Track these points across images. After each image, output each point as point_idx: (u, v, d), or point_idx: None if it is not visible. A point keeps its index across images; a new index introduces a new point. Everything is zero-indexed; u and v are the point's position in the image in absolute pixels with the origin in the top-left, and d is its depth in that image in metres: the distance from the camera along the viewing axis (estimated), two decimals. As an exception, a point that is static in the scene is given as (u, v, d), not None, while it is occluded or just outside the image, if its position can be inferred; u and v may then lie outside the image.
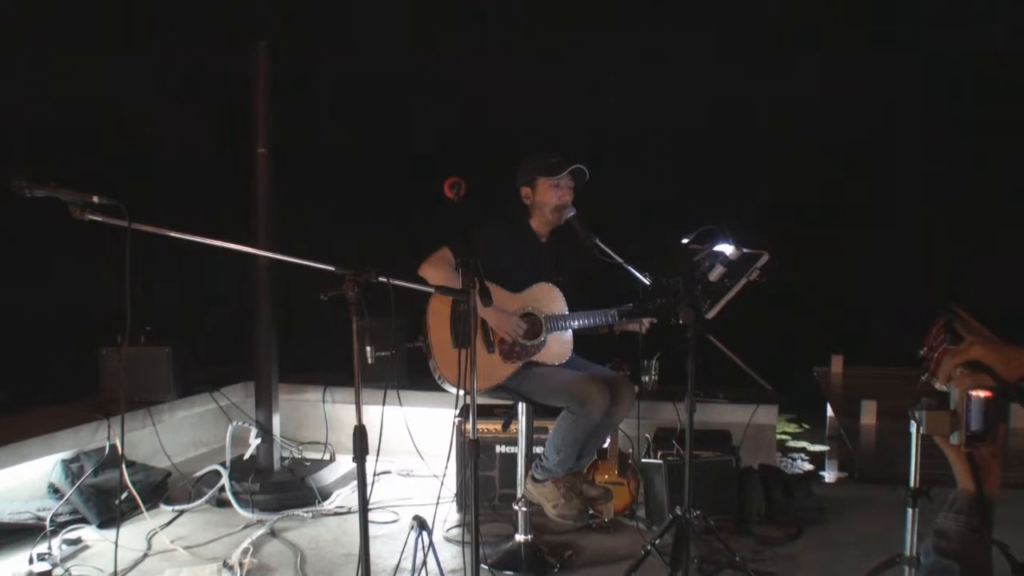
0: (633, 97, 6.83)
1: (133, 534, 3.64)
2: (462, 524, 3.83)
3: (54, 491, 3.86)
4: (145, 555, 3.45)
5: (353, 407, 2.21)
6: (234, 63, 4.24)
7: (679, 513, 2.93)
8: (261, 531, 3.71)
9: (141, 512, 3.79)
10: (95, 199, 1.95)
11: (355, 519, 3.60)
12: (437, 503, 3.52)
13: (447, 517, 3.93)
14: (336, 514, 3.98)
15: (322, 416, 4.99)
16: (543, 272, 3.37)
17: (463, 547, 3.55)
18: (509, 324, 3.22)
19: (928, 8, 6.65)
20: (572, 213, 3.31)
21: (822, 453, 5.99)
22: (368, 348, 2.57)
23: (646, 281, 3.11)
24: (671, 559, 2.91)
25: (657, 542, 3.08)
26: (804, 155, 7.04)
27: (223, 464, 4.09)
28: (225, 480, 4.00)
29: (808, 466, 5.74)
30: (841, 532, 3.73)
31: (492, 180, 3.46)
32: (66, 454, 3.97)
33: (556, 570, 3.31)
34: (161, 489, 4.10)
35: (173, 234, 2.12)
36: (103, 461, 3.94)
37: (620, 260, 3.17)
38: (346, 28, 6.66)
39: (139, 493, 3.81)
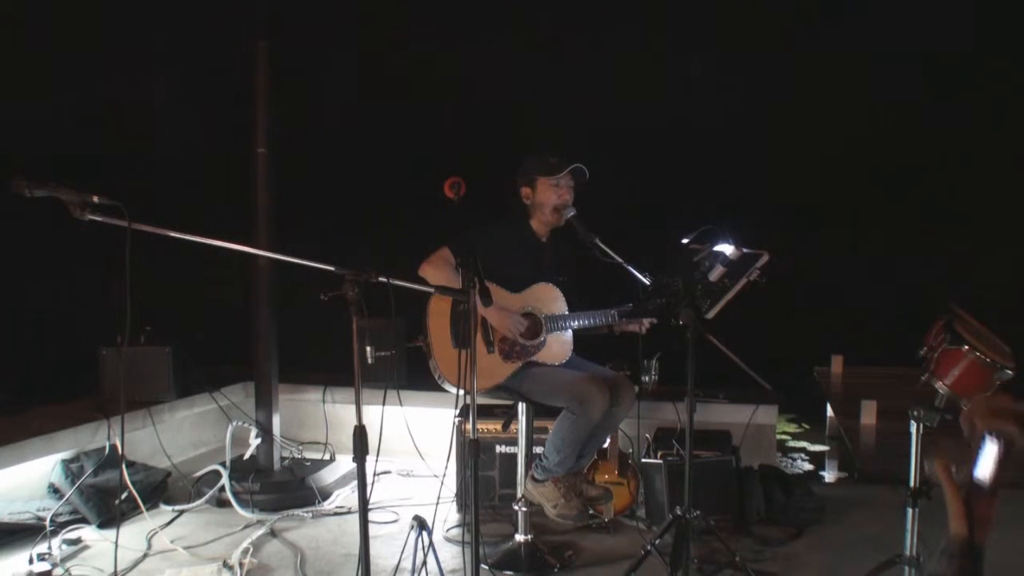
0: (633, 97, 6.83)
1: (133, 534, 3.64)
2: (462, 524, 3.83)
3: (54, 491, 3.86)
4: (145, 555, 3.45)
5: (353, 407, 2.21)
6: (234, 63, 4.24)
7: (679, 513, 2.93)
8: (261, 531, 3.71)
9: (141, 512, 3.79)
10: (95, 199, 1.96)
11: (355, 519, 3.60)
12: (437, 503, 3.52)
13: (447, 517, 3.93)
14: (336, 514, 3.98)
15: (322, 416, 4.99)
16: (543, 272, 3.37)
17: (463, 547, 3.55)
18: (510, 321, 3.21)
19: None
20: (572, 213, 3.31)
21: (822, 453, 5.99)
22: (368, 348, 2.57)
23: (646, 281, 3.11)
24: (671, 559, 2.91)
25: (657, 542, 3.08)
26: (804, 155, 7.03)
27: (223, 464, 4.08)
28: (225, 480, 4.00)
29: (808, 466, 5.74)
30: (841, 532, 3.73)
31: (492, 180, 3.46)
32: (66, 454, 3.97)
33: (556, 570, 3.31)
34: (161, 489, 4.10)
35: (173, 234, 2.12)
36: (103, 461, 3.94)
37: (620, 260, 3.17)
38: (346, 28, 6.66)
39: (139, 493, 3.81)
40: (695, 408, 2.88)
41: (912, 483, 2.61)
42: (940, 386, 2.53)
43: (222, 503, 4.01)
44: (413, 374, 4.52)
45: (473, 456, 2.46)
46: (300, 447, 4.65)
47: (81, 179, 2.04)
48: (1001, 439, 1.19)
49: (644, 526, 3.76)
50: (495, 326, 3.23)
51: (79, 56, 5.38)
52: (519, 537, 3.38)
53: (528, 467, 3.35)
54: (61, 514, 3.67)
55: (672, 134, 6.78)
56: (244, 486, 3.99)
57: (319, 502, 4.05)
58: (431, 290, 3.12)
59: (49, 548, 3.35)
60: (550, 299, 3.34)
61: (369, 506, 2.30)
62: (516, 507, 3.38)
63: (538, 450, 3.38)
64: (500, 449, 4.01)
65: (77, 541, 3.53)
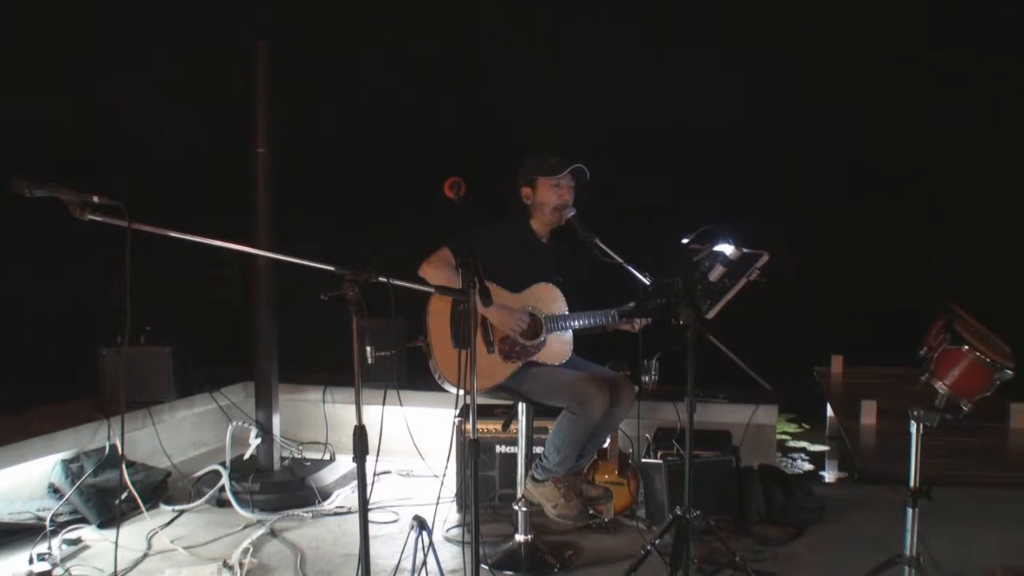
0: (633, 97, 6.83)
1: (133, 534, 3.64)
2: (462, 524, 3.82)
3: (54, 491, 3.86)
4: (145, 555, 3.45)
5: (353, 407, 2.21)
6: (234, 63, 4.24)
7: (679, 513, 2.93)
8: (261, 531, 3.71)
9: (141, 512, 3.79)
10: (95, 199, 1.95)
11: (355, 519, 3.60)
12: (437, 503, 3.52)
13: (447, 517, 3.92)
14: (336, 514, 3.98)
15: (322, 416, 4.99)
16: (543, 272, 3.37)
17: (463, 547, 3.55)
18: (512, 318, 3.21)
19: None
20: (572, 213, 3.31)
21: (822, 453, 5.99)
22: (368, 348, 2.57)
23: (646, 281, 3.11)
24: (671, 559, 2.91)
25: (657, 542, 3.08)
26: (804, 155, 7.04)
27: (223, 464, 4.08)
28: (225, 480, 4.00)
29: (808, 466, 5.74)
30: (841, 532, 3.73)
31: (492, 180, 3.46)
32: (66, 454, 3.97)
33: (556, 570, 3.31)
34: (161, 489, 4.10)
35: (173, 234, 2.12)
36: (103, 461, 3.94)
37: (620, 260, 3.17)
38: (346, 28, 6.66)
39: (139, 493, 3.81)
40: (695, 408, 2.88)
41: (912, 483, 2.61)
42: (940, 386, 2.53)
43: (222, 503, 4.01)
44: (413, 374, 4.52)
45: (473, 456, 2.46)
46: (300, 447, 4.65)
47: (81, 179, 2.03)
48: None
49: (644, 526, 3.76)
50: (496, 324, 3.23)
51: (79, 56, 5.38)
52: (519, 537, 3.38)
53: (528, 467, 3.35)
54: (61, 514, 3.67)
55: (672, 134, 6.78)
56: (244, 486, 3.99)
57: (319, 502, 4.05)
58: (431, 290, 3.12)
59: (49, 548, 3.35)
60: (550, 299, 3.34)
61: (369, 506, 2.30)
62: (516, 507, 3.38)
63: (538, 450, 3.38)
64: (500, 449, 4.01)
65: (77, 541, 3.53)
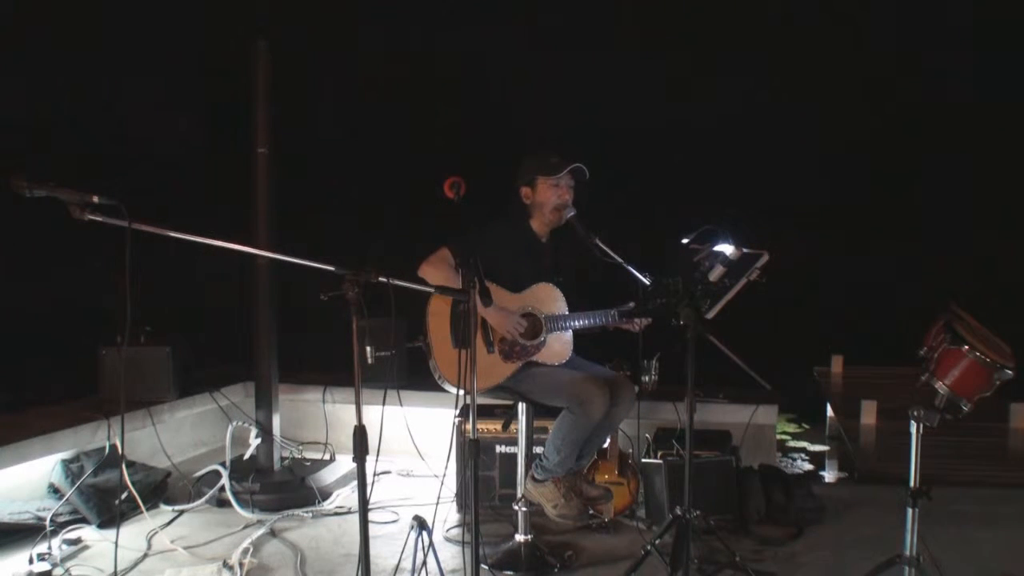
0: (634, 97, 6.83)
1: (133, 534, 3.64)
2: (462, 524, 3.83)
3: (54, 491, 3.86)
4: (145, 555, 3.45)
5: (353, 407, 2.21)
6: (234, 63, 4.24)
7: (679, 513, 2.93)
8: (261, 531, 3.71)
9: (141, 512, 3.79)
10: (95, 199, 1.96)
11: (355, 519, 3.60)
12: (437, 503, 3.52)
13: (447, 517, 3.93)
14: (336, 514, 3.98)
15: (322, 416, 4.99)
16: (543, 272, 3.37)
17: (463, 547, 3.55)
18: (509, 322, 3.21)
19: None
20: (572, 213, 3.31)
21: (822, 453, 5.99)
22: (368, 348, 2.57)
23: (646, 281, 3.10)
24: (671, 559, 2.92)
25: (657, 542, 3.08)
26: (804, 155, 7.04)
27: (223, 464, 4.08)
28: (225, 480, 4.00)
29: (808, 466, 5.74)
30: (841, 532, 3.73)
31: (492, 180, 3.46)
32: (66, 454, 3.97)
33: (556, 570, 3.31)
34: (161, 489, 4.10)
35: (173, 234, 2.12)
36: (103, 461, 3.94)
37: (620, 260, 3.17)
38: (346, 28, 6.66)
39: (139, 493, 3.81)
40: (695, 408, 2.88)
41: (912, 483, 2.61)
42: (940, 386, 2.53)
43: (222, 503, 4.01)
44: (413, 374, 4.52)
45: (473, 456, 2.46)
46: (300, 447, 4.65)
47: (81, 179, 2.03)
48: None
49: (644, 526, 3.76)
50: (494, 327, 3.23)
51: (79, 56, 5.38)
52: (519, 537, 3.38)
53: (528, 467, 3.35)
54: (61, 514, 3.67)
55: (672, 134, 6.78)
56: (244, 486, 3.99)
57: (319, 502, 4.05)
58: (431, 290, 3.12)
59: (49, 548, 3.35)
60: (550, 299, 3.34)
61: (369, 506, 2.30)
62: (516, 507, 3.38)
63: (538, 450, 3.38)
64: (500, 449, 4.01)
65: (77, 541, 3.53)
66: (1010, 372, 2.48)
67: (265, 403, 4.28)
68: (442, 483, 3.35)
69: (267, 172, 4.08)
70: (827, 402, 6.03)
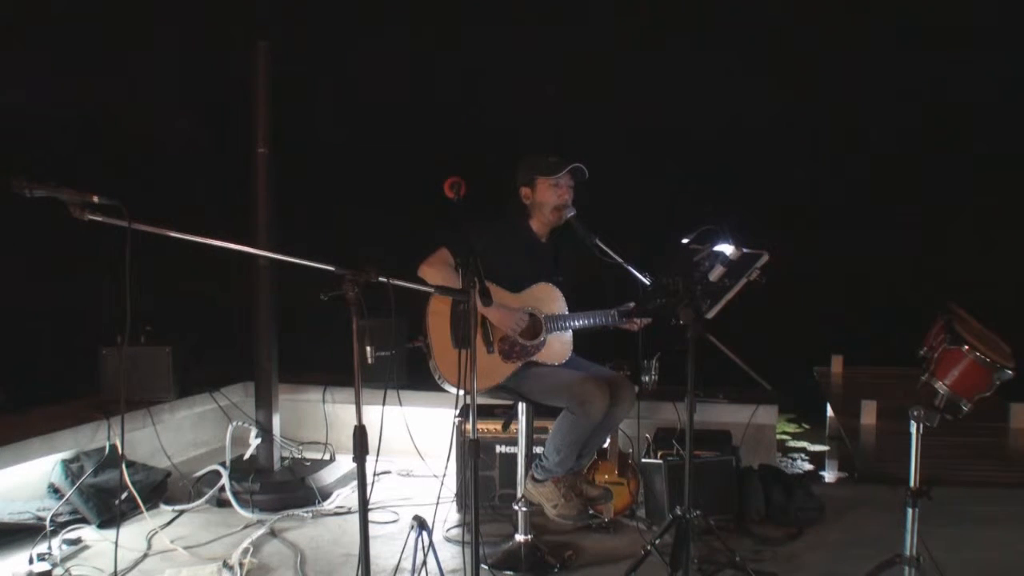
0: (634, 97, 6.83)
1: (133, 534, 3.64)
2: (462, 524, 3.83)
3: (54, 491, 3.86)
4: (145, 555, 3.45)
5: (353, 407, 2.21)
6: (234, 63, 4.24)
7: (679, 513, 2.93)
8: (261, 531, 3.71)
9: (141, 512, 3.79)
10: (95, 199, 1.95)
11: (355, 519, 3.60)
12: (437, 503, 3.51)
13: (447, 517, 3.93)
14: (336, 514, 3.98)
15: (322, 416, 4.99)
16: (543, 272, 3.37)
17: (463, 547, 3.55)
18: (511, 318, 3.21)
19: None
20: (572, 213, 3.31)
21: (822, 453, 6.00)
22: (368, 348, 2.57)
23: (646, 281, 3.10)
24: (671, 559, 2.91)
25: (657, 542, 3.08)
26: (804, 155, 7.04)
27: (223, 464, 4.08)
28: (225, 480, 3.99)
29: (808, 466, 5.74)
30: (841, 532, 3.72)
31: (492, 180, 3.46)
32: (66, 454, 3.97)
33: (556, 570, 3.31)
34: (161, 489, 4.10)
35: (173, 234, 2.12)
36: (103, 461, 3.93)
37: (620, 260, 3.17)
38: (346, 28, 6.66)
39: (139, 493, 3.81)
40: (695, 408, 2.88)
41: (912, 483, 2.61)
42: (940, 386, 2.53)
43: (222, 503, 4.01)
44: (413, 374, 4.52)
45: (473, 456, 2.46)
46: (300, 447, 4.65)
47: (81, 179, 2.03)
48: None
49: (644, 526, 3.76)
50: (496, 324, 3.23)
51: (79, 56, 5.38)
52: (519, 537, 3.38)
53: (528, 467, 3.35)
54: (61, 514, 3.67)
55: (673, 135, 6.79)
56: (244, 486, 3.99)
57: (319, 502, 4.05)
58: (431, 290, 3.12)
59: (49, 548, 3.35)
60: (550, 299, 3.34)
61: (369, 506, 2.30)
62: (516, 507, 3.38)
63: (538, 450, 3.38)
64: (500, 449, 4.01)
65: (77, 541, 3.53)
66: (1010, 372, 2.47)
67: (265, 403, 4.28)
68: (442, 483, 3.35)
69: (267, 172, 4.08)
70: (827, 402, 6.04)
